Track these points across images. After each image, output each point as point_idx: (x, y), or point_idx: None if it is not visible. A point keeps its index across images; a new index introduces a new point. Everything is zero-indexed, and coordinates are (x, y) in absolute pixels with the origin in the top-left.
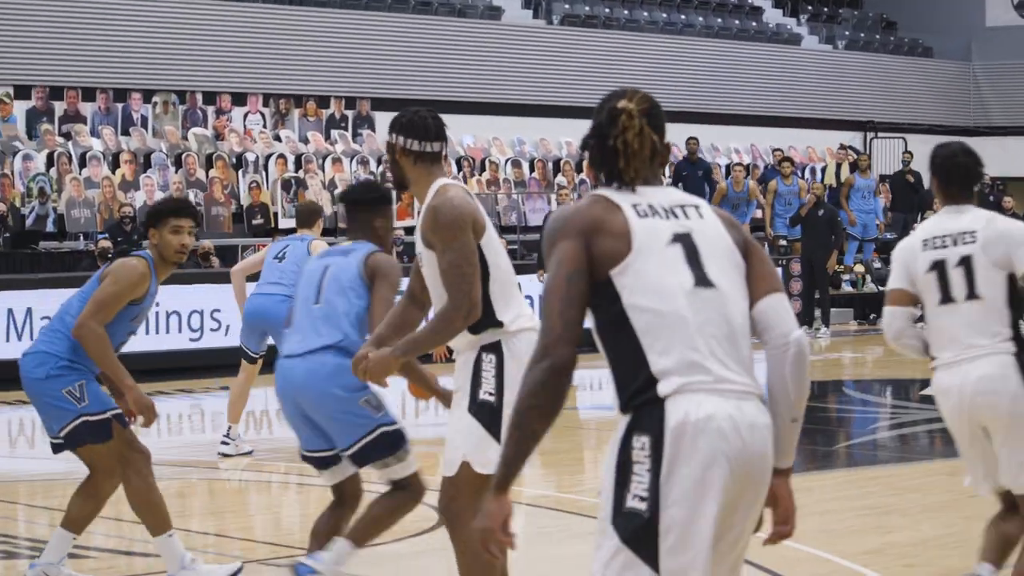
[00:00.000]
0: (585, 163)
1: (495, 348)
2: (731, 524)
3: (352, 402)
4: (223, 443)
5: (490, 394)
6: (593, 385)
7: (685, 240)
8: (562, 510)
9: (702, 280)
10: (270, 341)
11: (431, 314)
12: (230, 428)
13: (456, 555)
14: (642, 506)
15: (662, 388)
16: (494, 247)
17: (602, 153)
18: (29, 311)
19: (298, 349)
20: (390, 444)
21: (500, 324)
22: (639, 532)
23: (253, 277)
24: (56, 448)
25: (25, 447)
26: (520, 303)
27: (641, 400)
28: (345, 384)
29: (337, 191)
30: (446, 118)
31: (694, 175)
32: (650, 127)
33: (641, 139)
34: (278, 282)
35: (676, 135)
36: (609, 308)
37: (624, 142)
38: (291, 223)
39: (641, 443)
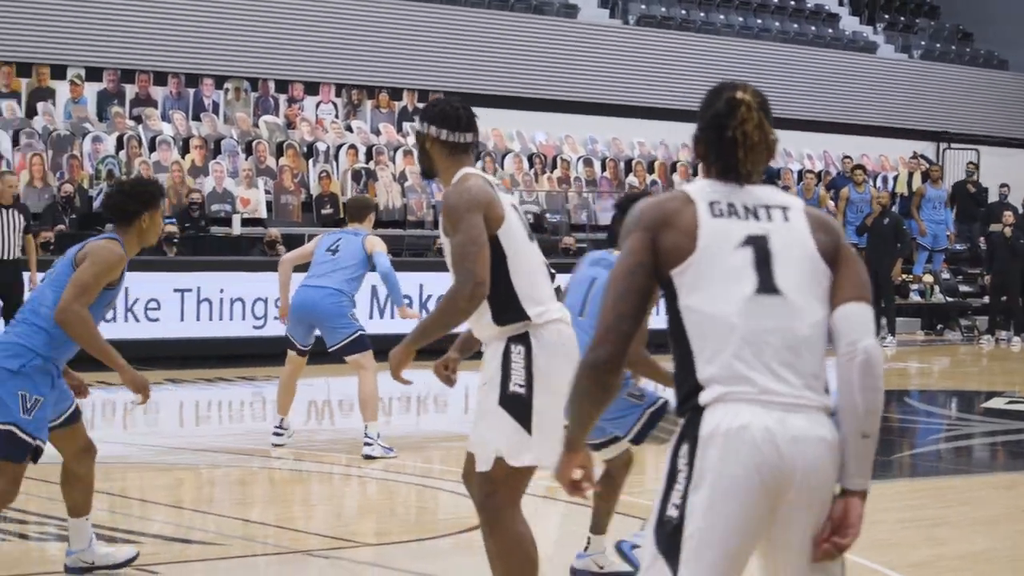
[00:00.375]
0: (695, 156)
1: (523, 339)
2: (779, 539)
3: (619, 401)
4: (276, 434)
5: (520, 386)
6: (657, 385)
7: (758, 243)
8: (618, 512)
9: (766, 286)
10: (317, 332)
11: None
12: (282, 420)
13: (491, 553)
14: (675, 514)
15: (703, 397)
16: (515, 238)
17: (719, 144)
18: None
19: None
20: (657, 422)
21: (527, 317)
22: (670, 541)
23: (300, 268)
24: None
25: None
26: (546, 296)
27: (689, 406)
28: None
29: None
30: (519, 114)
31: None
32: (765, 121)
33: (760, 132)
34: (329, 275)
35: None
36: (670, 307)
37: (743, 133)
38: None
39: (683, 451)
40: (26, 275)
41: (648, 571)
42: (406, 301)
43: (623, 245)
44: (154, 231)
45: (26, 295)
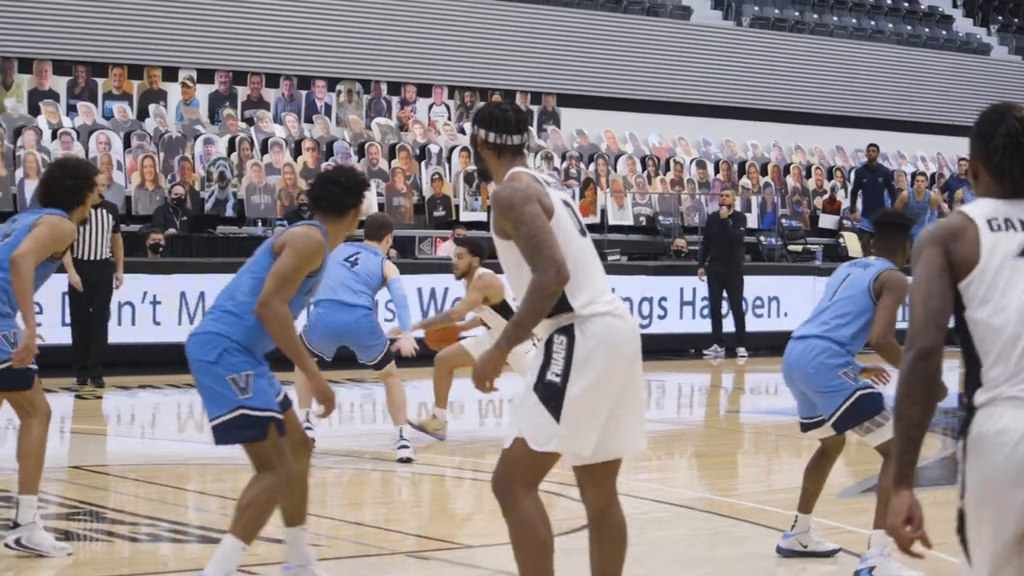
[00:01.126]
0: (970, 175)
1: (567, 330)
2: None
3: (833, 375)
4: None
5: (556, 375)
6: (756, 389)
7: None
8: (714, 512)
9: None
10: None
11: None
12: (308, 413)
13: (509, 533)
14: (960, 504)
15: (978, 397)
16: (564, 231)
17: (1018, 162)
18: (202, 295)
19: (799, 332)
20: (866, 411)
21: (571, 309)
22: (961, 530)
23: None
24: (214, 439)
25: (194, 431)
26: (596, 288)
27: (969, 406)
28: (827, 363)
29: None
30: (632, 116)
31: (874, 181)
32: None
33: None
34: (358, 292)
35: (860, 140)
36: (958, 317)
37: None
38: (473, 216)
39: (960, 445)
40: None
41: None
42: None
43: (914, 264)
44: (357, 220)
45: (114, 295)
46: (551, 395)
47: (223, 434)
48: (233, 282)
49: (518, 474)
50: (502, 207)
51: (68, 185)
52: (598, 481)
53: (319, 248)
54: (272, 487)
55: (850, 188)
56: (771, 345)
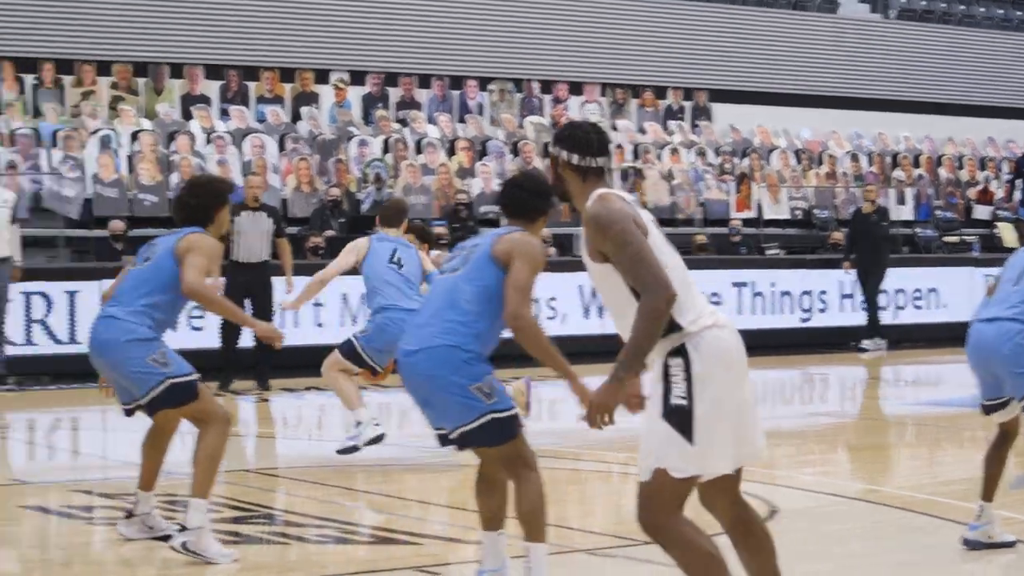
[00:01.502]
0: None
1: (680, 351)
2: None
3: (1019, 355)
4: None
5: (681, 398)
6: (917, 381)
7: None
8: (885, 504)
9: None
10: None
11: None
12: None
13: (678, 564)
14: None
15: None
16: (660, 251)
17: None
18: (363, 297)
19: (986, 315)
20: None
21: (680, 328)
22: None
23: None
24: (458, 444)
25: None
26: (698, 303)
27: None
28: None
29: (675, 182)
30: (784, 111)
31: None
32: None
33: None
34: (414, 297)
35: (1010, 131)
36: None
37: None
38: None
39: None
40: (278, 280)
41: None
42: None
43: None
44: (545, 224)
45: (278, 298)
46: (682, 419)
47: (470, 440)
48: (450, 289)
49: (662, 504)
50: (601, 227)
51: (193, 204)
52: (726, 490)
53: (545, 254)
54: (539, 486)
55: (1004, 178)
56: (931, 337)
